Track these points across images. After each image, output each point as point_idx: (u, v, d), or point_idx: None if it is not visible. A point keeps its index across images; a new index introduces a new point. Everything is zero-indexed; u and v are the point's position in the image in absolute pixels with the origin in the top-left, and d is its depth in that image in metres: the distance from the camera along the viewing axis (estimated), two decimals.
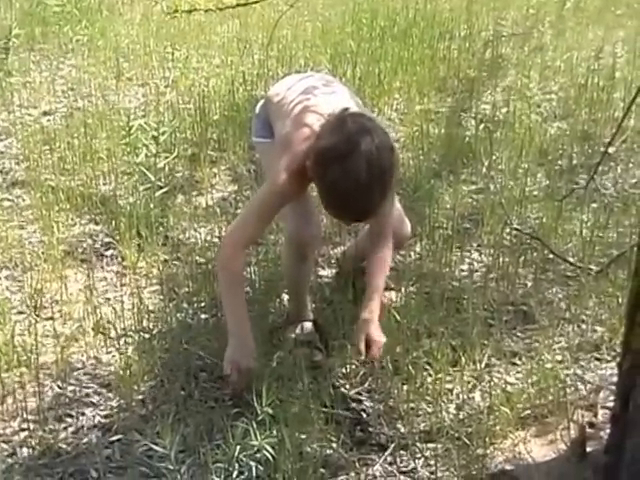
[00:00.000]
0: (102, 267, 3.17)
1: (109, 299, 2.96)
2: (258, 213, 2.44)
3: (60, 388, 2.52)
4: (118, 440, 2.32)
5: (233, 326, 2.42)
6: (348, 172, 2.16)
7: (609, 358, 2.59)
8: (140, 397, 2.47)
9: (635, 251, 2.03)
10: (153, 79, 4.93)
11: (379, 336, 2.48)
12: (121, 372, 2.54)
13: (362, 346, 2.47)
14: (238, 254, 2.42)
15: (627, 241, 3.04)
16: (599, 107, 4.21)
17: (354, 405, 2.45)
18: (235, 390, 2.42)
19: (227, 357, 2.40)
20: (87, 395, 2.50)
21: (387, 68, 4.65)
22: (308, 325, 2.69)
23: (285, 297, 2.87)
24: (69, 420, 2.40)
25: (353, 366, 2.58)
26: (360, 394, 2.49)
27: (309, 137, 2.35)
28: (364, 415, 2.42)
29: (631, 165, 3.71)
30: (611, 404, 2.18)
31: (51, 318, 2.84)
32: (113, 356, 2.66)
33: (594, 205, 3.41)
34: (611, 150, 3.71)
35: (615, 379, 2.18)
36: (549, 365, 2.50)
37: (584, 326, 2.73)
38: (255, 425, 2.19)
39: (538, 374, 2.47)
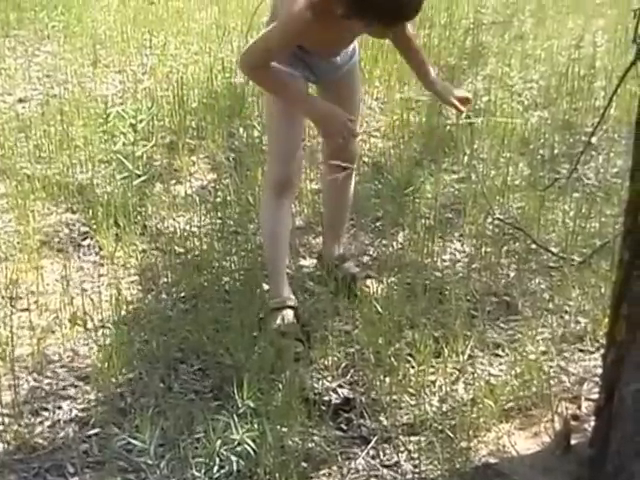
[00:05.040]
0: (79, 257, 3.12)
1: (86, 290, 2.90)
2: (274, 34, 2.45)
3: (36, 381, 2.47)
4: (96, 434, 2.28)
5: (304, 103, 2.55)
6: None
7: (592, 349, 2.58)
8: (118, 390, 2.43)
9: (619, 242, 2.01)
10: (130, 66, 4.86)
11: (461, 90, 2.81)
12: (99, 364, 2.49)
13: (458, 103, 2.67)
14: (261, 65, 2.46)
15: (610, 231, 3.03)
16: (580, 96, 4.19)
17: (336, 397, 2.42)
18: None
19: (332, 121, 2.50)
20: (64, 388, 2.45)
21: (367, 56, 4.60)
22: (289, 315, 2.65)
23: (265, 287, 2.83)
24: (45, 414, 2.35)
25: (335, 358, 2.55)
26: (342, 386, 2.47)
27: None
28: (346, 408, 2.39)
29: (612, 155, 3.69)
30: (595, 396, 2.17)
31: (27, 309, 2.78)
32: (90, 348, 2.61)
33: (576, 195, 3.39)
34: (593, 140, 3.70)
35: (599, 371, 2.17)
36: (532, 357, 2.49)
37: (567, 317, 2.72)
38: (236, 418, 2.16)
39: (521, 366, 2.46)
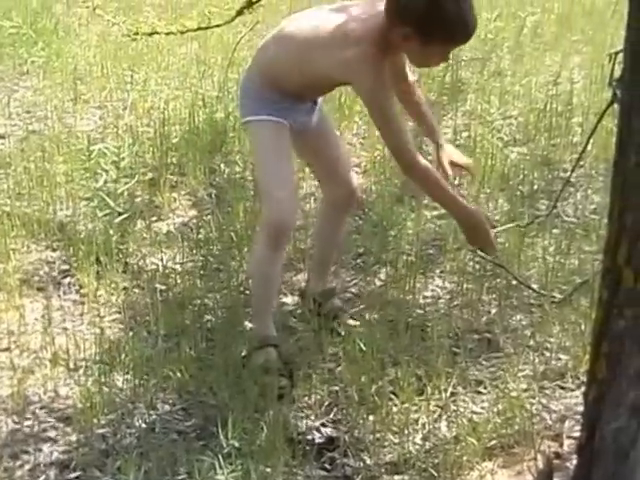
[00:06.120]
0: (59, 295, 3.10)
1: (67, 329, 2.88)
2: (391, 115, 2.48)
3: (16, 423, 2.45)
4: (77, 477, 2.25)
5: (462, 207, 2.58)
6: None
7: (573, 387, 2.59)
8: (100, 431, 2.41)
9: (598, 279, 2.03)
10: (111, 101, 4.86)
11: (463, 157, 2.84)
12: (80, 405, 2.48)
13: (448, 167, 2.74)
14: (418, 156, 2.50)
15: (588, 268, 3.06)
16: (558, 132, 4.23)
17: (319, 437, 2.42)
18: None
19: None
20: (44, 430, 2.43)
21: (347, 92, 4.64)
22: (273, 353, 2.65)
23: (248, 325, 2.83)
24: (25, 457, 2.33)
25: (318, 396, 2.55)
26: (325, 425, 2.46)
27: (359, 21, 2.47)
28: (330, 447, 2.38)
29: (590, 191, 3.74)
30: (577, 434, 2.17)
31: (7, 349, 2.76)
32: (72, 388, 2.59)
33: (556, 231, 3.42)
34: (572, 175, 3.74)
35: (580, 408, 2.17)
36: (514, 394, 2.50)
37: (548, 354, 2.73)
38: (221, 458, 2.16)
39: (504, 403, 2.47)
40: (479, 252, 2.74)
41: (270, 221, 2.60)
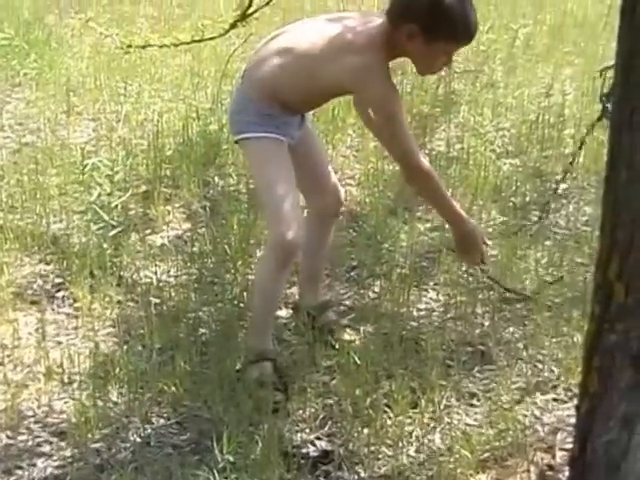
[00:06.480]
0: (53, 309, 3.10)
1: (61, 343, 2.88)
2: (399, 120, 2.51)
3: (10, 438, 2.45)
4: None
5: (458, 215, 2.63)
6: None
7: (566, 399, 2.60)
8: (95, 446, 2.41)
9: (589, 292, 2.04)
10: (104, 114, 4.87)
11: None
12: (74, 419, 2.48)
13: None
14: (423, 159, 2.55)
15: (580, 279, 3.08)
16: (550, 144, 4.26)
17: (314, 450, 2.42)
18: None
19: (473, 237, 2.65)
20: (39, 445, 2.43)
21: (341, 104, 4.65)
22: (268, 368, 2.65)
23: (243, 338, 2.84)
24: (19, 472, 2.33)
25: (312, 409, 2.56)
26: (320, 438, 2.47)
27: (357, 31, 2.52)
28: (324, 460, 2.39)
29: (582, 203, 3.76)
30: (569, 446, 2.19)
31: (0, 364, 2.76)
32: (66, 402, 2.59)
33: (548, 243, 3.44)
34: (564, 187, 3.77)
35: (572, 420, 2.18)
36: (507, 406, 2.51)
37: (540, 366, 2.75)
38: (216, 473, 2.16)
39: (497, 415, 2.48)
40: (465, 263, 2.77)
41: (279, 243, 2.56)
